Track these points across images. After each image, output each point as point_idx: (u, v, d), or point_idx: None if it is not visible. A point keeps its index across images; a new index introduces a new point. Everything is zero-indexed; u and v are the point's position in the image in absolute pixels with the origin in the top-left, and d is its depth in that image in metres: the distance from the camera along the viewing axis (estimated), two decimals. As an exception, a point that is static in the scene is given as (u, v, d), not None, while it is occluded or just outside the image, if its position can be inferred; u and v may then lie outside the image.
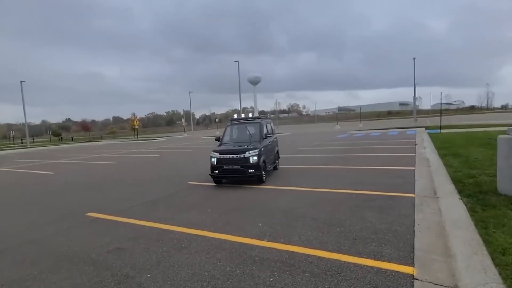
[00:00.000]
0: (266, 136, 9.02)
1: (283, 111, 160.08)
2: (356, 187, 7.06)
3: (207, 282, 3.26)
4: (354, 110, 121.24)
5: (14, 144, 52.55)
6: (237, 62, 38.19)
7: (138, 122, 52.28)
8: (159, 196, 7.52)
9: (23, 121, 45.37)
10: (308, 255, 3.72)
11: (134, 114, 67.87)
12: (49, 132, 74.65)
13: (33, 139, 67.83)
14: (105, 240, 4.68)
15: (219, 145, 8.81)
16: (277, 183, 8.15)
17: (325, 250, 3.85)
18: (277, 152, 10.42)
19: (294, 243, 4.12)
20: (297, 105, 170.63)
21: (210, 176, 8.34)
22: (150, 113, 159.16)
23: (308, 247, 3.94)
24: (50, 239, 4.95)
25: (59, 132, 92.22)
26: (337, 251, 3.78)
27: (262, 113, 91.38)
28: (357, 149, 15.07)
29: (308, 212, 5.41)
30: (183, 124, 58.92)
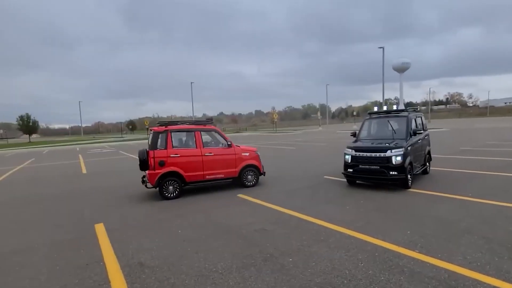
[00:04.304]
0: (415, 133, 7.59)
1: (439, 102, 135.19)
2: (558, 205, 5.13)
3: (348, 280, 3.15)
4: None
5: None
6: (381, 49, 33.89)
7: (277, 116, 56.44)
8: (297, 186, 7.86)
9: (191, 114, 57.52)
10: (478, 281, 2.99)
11: (273, 108, 73.81)
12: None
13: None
14: (252, 220, 5.30)
15: (355, 141, 8.01)
16: (429, 188, 6.96)
17: (504, 280, 2.99)
18: (429, 153, 8.86)
19: (457, 262, 3.40)
20: (459, 94, 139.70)
21: (343, 174, 7.75)
22: (287, 107, 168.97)
23: (477, 272, 3.17)
24: (211, 211, 6.06)
25: (215, 124, 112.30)
26: (526, 286, 2.86)
27: (409, 105, 79.97)
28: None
29: (477, 228, 4.35)
30: (318, 118, 59.32)
